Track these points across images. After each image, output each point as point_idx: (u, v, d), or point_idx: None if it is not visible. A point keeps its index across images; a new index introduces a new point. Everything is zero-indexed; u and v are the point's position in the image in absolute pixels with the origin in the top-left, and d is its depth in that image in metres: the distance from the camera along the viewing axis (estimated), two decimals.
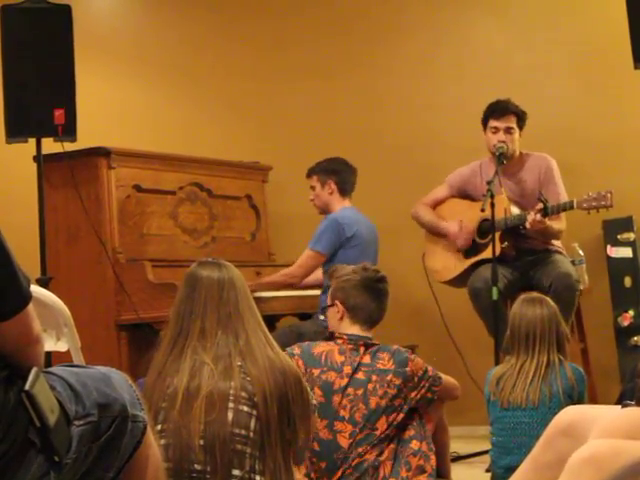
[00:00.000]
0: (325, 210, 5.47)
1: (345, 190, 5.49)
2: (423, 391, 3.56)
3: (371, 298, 3.66)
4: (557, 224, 5.08)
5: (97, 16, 6.37)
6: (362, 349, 3.60)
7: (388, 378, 3.51)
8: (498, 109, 5.18)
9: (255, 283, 5.25)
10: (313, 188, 5.51)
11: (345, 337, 3.65)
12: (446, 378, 3.71)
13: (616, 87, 5.69)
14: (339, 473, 3.45)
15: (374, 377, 3.53)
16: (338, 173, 5.48)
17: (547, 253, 5.16)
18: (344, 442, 3.46)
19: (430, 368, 3.62)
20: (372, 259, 5.34)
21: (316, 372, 3.55)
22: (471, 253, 5.25)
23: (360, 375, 3.54)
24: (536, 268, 5.10)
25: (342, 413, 3.49)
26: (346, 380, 3.53)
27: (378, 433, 3.47)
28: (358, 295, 3.67)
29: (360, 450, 3.45)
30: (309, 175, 5.56)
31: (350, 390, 3.52)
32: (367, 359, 3.58)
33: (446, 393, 3.70)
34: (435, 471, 3.53)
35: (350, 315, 3.69)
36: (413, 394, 3.53)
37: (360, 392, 3.51)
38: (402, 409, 3.51)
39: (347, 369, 3.56)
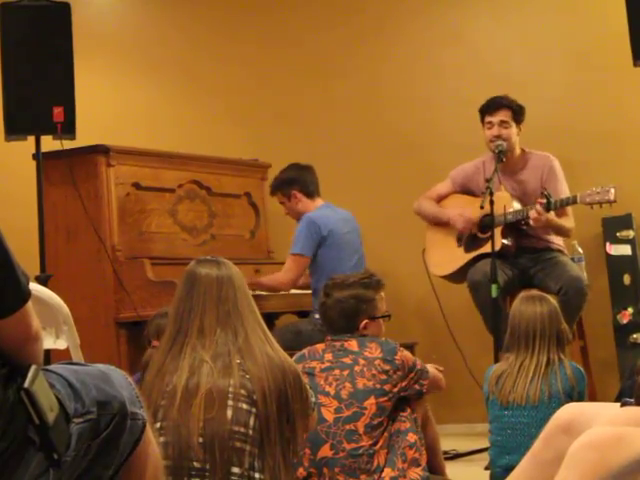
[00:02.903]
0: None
1: (311, 192, 5.45)
2: (412, 382, 3.57)
3: (339, 316, 3.70)
4: (567, 222, 5.09)
5: (96, 14, 6.37)
6: (344, 342, 3.64)
7: (376, 363, 3.54)
8: (491, 104, 5.22)
9: (254, 281, 5.24)
10: (283, 204, 5.52)
11: (329, 338, 3.71)
12: (431, 370, 3.72)
13: (616, 84, 5.69)
14: (326, 447, 3.45)
15: (361, 361, 3.56)
16: (296, 181, 5.44)
17: (549, 252, 5.16)
18: (328, 415, 3.48)
19: (418, 362, 3.63)
20: (353, 254, 5.33)
21: (300, 366, 3.60)
22: (471, 247, 5.26)
23: (347, 360, 3.58)
24: (537, 267, 5.11)
25: (327, 389, 3.53)
26: (327, 364, 3.58)
27: (367, 413, 3.47)
28: (326, 315, 3.75)
29: (348, 427, 3.46)
30: (272, 193, 5.58)
31: (336, 371, 3.56)
32: (354, 346, 3.61)
33: (432, 385, 3.72)
34: (427, 465, 3.55)
35: (328, 331, 3.77)
36: (403, 383, 3.55)
37: (346, 373, 3.55)
38: (392, 396, 3.51)
39: (328, 356, 3.62)
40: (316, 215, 5.33)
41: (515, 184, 5.23)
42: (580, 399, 3.61)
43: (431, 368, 3.72)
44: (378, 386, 3.51)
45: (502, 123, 5.16)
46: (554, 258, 5.13)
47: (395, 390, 3.53)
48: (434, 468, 3.74)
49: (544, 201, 4.85)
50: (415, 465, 3.48)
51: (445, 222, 5.36)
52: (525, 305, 3.73)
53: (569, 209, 5.12)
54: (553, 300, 3.81)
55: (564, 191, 5.14)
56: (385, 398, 3.51)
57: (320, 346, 3.68)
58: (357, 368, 3.54)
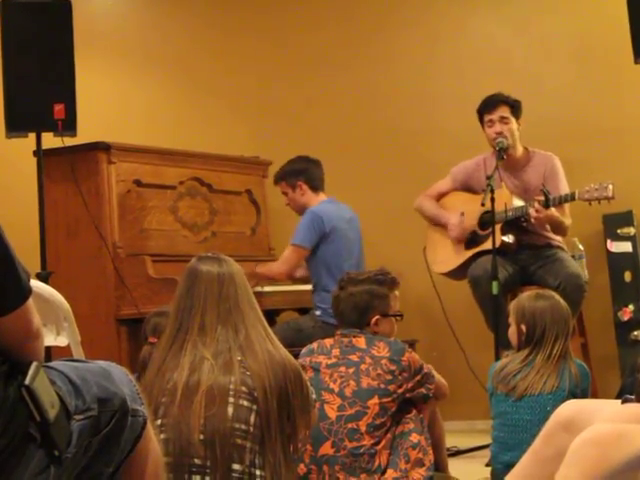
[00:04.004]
0: (303, 211, 5.43)
1: (316, 186, 5.46)
2: (418, 385, 3.56)
3: (351, 309, 3.72)
4: (567, 219, 5.10)
5: (97, 11, 6.37)
6: (353, 338, 3.64)
7: (382, 362, 3.53)
8: (489, 102, 5.23)
9: (250, 272, 5.23)
10: (285, 194, 5.51)
11: (339, 333, 3.72)
12: (437, 376, 3.72)
13: (616, 81, 5.68)
14: (328, 444, 3.45)
15: (368, 359, 3.55)
16: (304, 172, 5.44)
17: (549, 249, 5.17)
18: (331, 413, 3.48)
19: (426, 366, 3.63)
20: (354, 252, 5.35)
21: (308, 359, 3.62)
22: (471, 244, 5.27)
23: (353, 357, 3.57)
24: (538, 264, 5.11)
25: (332, 386, 3.52)
26: (334, 360, 3.58)
27: (370, 413, 3.46)
28: (338, 308, 3.77)
29: (350, 426, 3.45)
30: (276, 182, 5.57)
31: (342, 368, 3.55)
32: (362, 343, 3.60)
33: (437, 392, 3.71)
34: (433, 465, 3.54)
35: (339, 324, 3.79)
36: (408, 385, 3.53)
37: (352, 370, 3.54)
38: (396, 397, 3.50)
39: (335, 351, 3.61)
40: (320, 209, 5.34)
41: (517, 181, 5.23)
42: (584, 396, 3.60)
43: (436, 375, 3.72)
44: (382, 386, 3.50)
45: (502, 119, 5.17)
46: (554, 255, 5.13)
47: (400, 391, 3.51)
48: (437, 465, 3.73)
49: (542, 198, 4.86)
50: (419, 466, 3.46)
51: (444, 224, 5.38)
52: (542, 302, 3.72)
53: (567, 209, 5.12)
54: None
55: (565, 189, 5.14)
56: (389, 399, 3.49)
57: (329, 341, 3.68)
58: (363, 367, 3.54)
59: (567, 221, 5.12)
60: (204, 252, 3.12)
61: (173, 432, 2.74)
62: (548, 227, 5.14)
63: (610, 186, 4.72)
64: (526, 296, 3.83)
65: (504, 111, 5.18)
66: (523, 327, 3.71)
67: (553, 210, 4.93)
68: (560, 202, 4.95)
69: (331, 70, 6.42)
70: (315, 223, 5.27)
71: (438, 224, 5.44)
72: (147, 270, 5.12)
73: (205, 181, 5.76)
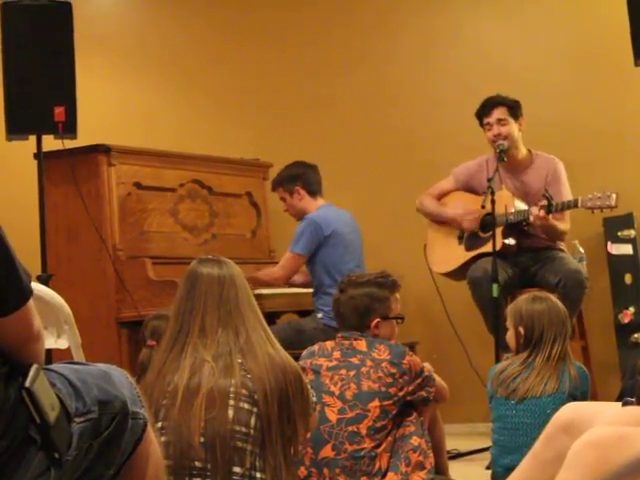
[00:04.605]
0: (302, 216, 5.44)
1: (314, 191, 5.47)
2: (418, 388, 3.56)
3: (351, 312, 3.71)
4: (562, 225, 5.09)
5: (98, 13, 6.37)
6: (354, 341, 3.64)
7: (383, 365, 3.52)
8: (485, 105, 5.24)
9: (250, 276, 5.24)
10: (283, 199, 5.52)
11: (340, 336, 3.72)
12: (437, 379, 3.72)
13: (616, 84, 5.69)
14: (328, 447, 3.45)
15: (368, 362, 3.55)
16: (301, 177, 5.45)
17: (550, 251, 5.16)
18: (332, 416, 3.47)
19: (426, 368, 3.62)
20: (356, 254, 5.35)
21: (309, 361, 3.62)
22: (472, 246, 5.26)
23: (354, 360, 3.57)
24: (538, 265, 5.11)
25: (332, 389, 3.52)
26: (335, 362, 3.58)
27: (370, 416, 3.46)
28: (338, 310, 3.76)
29: (351, 429, 3.45)
30: (274, 188, 5.58)
31: (343, 371, 3.55)
32: (363, 346, 3.60)
33: (437, 395, 3.71)
34: (433, 468, 3.54)
35: (339, 327, 3.79)
36: (409, 388, 3.53)
37: (352, 373, 3.54)
38: (397, 400, 3.50)
39: (336, 354, 3.61)
40: (318, 215, 5.34)
41: (518, 183, 5.23)
42: (583, 399, 3.60)
43: (437, 377, 3.72)
44: (383, 389, 3.49)
45: (499, 121, 5.17)
46: (554, 255, 5.13)
47: (400, 394, 3.51)
48: (437, 468, 3.73)
49: (545, 203, 4.85)
50: (419, 469, 3.45)
51: (447, 221, 5.37)
52: (539, 304, 3.72)
53: (567, 213, 5.12)
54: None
55: (566, 194, 5.13)
56: (389, 402, 3.49)
57: (330, 343, 3.68)
58: (364, 369, 3.53)
59: (562, 226, 5.11)
60: (204, 254, 3.12)
61: (174, 435, 2.73)
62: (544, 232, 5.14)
63: (613, 195, 4.72)
64: (523, 299, 3.83)
65: (501, 113, 5.18)
66: (521, 329, 3.71)
67: (549, 217, 4.92)
68: (563, 208, 4.95)
69: (332, 72, 6.42)
70: (313, 230, 5.27)
71: (439, 222, 5.44)
72: (147, 272, 5.12)
73: (205, 183, 5.76)
